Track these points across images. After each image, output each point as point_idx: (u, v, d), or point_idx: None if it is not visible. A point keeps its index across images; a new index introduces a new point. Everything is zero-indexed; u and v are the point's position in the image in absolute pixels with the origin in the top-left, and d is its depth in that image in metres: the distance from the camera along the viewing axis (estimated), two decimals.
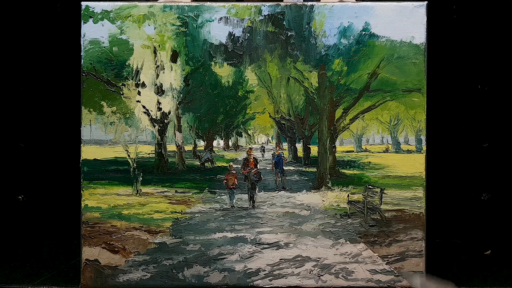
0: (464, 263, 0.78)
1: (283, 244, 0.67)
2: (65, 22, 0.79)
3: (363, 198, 0.68)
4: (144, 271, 0.67)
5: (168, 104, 0.69)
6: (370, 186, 0.68)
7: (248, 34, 0.68)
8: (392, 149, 0.70)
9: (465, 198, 0.80)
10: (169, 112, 0.69)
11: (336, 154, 0.69)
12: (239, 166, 0.71)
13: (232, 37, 0.68)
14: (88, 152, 0.68)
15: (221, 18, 0.68)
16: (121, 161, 0.69)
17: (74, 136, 0.71)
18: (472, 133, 0.79)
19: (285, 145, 0.71)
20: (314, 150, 0.70)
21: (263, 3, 0.68)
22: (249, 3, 0.68)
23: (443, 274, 0.45)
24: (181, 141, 0.69)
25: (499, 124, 0.79)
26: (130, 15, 0.67)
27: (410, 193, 0.68)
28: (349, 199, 0.68)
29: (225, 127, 0.71)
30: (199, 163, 0.70)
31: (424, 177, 0.68)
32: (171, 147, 0.69)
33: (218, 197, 0.69)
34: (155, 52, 0.68)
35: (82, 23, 0.67)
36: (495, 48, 0.79)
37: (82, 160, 0.68)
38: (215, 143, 0.71)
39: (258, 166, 0.71)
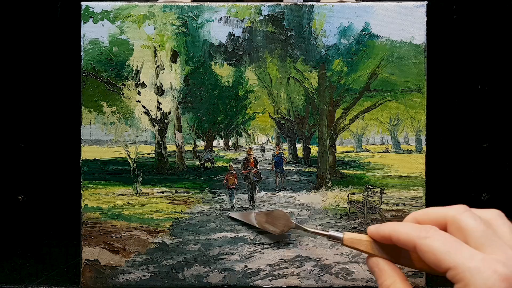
0: None
1: (283, 244, 0.67)
2: (65, 22, 0.79)
3: (363, 198, 0.68)
4: (144, 271, 0.67)
5: (168, 104, 0.69)
6: (370, 186, 0.68)
7: (248, 34, 0.68)
8: (392, 149, 0.70)
9: (465, 198, 0.80)
10: (169, 112, 0.69)
11: (336, 154, 0.69)
12: (239, 166, 0.71)
13: (232, 37, 0.68)
14: (88, 152, 0.68)
15: (221, 18, 0.68)
16: (121, 161, 0.68)
17: (74, 136, 0.71)
18: (472, 133, 0.79)
19: (285, 145, 0.71)
20: (314, 150, 0.70)
21: (263, 3, 0.68)
22: (249, 3, 0.68)
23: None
24: (181, 141, 0.69)
25: (499, 124, 0.79)
26: (130, 15, 0.67)
27: (410, 193, 0.68)
28: (349, 199, 0.68)
29: (225, 127, 0.70)
30: (199, 163, 0.70)
31: (424, 177, 0.68)
32: (171, 147, 0.69)
33: (218, 197, 0.69)
34: (155, 52, 0.68)
35: (82, 23, 0.67)
36: (495, 48, 0.79)
37: (82, 160, 0.68)
38: (215, 143, 0.71)
39: (258, 166, 0.71)
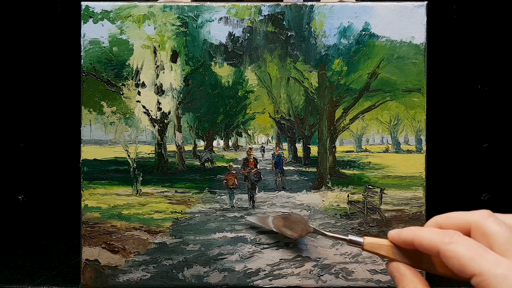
0: None
1: (283, 244, 0.67)
2: (65, 22, 0.79)
3: (363, 198, 0.68)
4: (144, 271, 0.67)
5: (168, 104, 0.69)
6: (370, 186, 0.68)
7: (248, 34, 0.68)
8: (392, 149, 0.70)
9: (465, 198, 0.80)
10: (169, 112, 0.69)
11: (336, 154, 0.69)
12: (239, 166, 0.71)
13: (232, 37, 0.68)
14: (88, 152, 0.68)
15: (221, 18, 0.68)
16: (121, 161, 0.69)
17: (74, 136, 0.71)
18: (472, 133, 0.79)
19: (285, 145, 0.71)
20: (314, 150, 0.70)
21: (263, 3, 0.68)
22: (249, 3, 0.68)
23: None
24: (181, 141, 0.69)
25: (499, 124, 0.79)
26: (130, 15, 0.67)
27: (410, 193, 0.68)
28: (349, 199, 0.68)
29: (225, 127, 0.70)
30: (199, 163, 0.70)
31: (424, 177, 0.68)
32: (171, 147, 0.69)
33: (218, 197, 0.69)
34: (155, 52, 0.68)
35: (82, 23, 0.67)
36: (495, 48, 0.79)
37: (82, 160, 0.68)
38: (215, 143, 0.71)
39: (258, 166, 0.71)
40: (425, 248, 0.42)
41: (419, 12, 0.67)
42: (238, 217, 0.68)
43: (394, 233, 0.46)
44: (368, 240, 0.48)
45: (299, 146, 0.71)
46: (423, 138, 0.68)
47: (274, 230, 0.66)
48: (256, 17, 0.67)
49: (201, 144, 0.70)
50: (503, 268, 0.36)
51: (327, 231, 0.59)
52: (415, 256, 0.46)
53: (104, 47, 0.67)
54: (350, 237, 0.50)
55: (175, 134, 0.69)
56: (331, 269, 0.67)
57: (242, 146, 0.71)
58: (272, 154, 0.71)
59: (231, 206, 0.69)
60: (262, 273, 0.67)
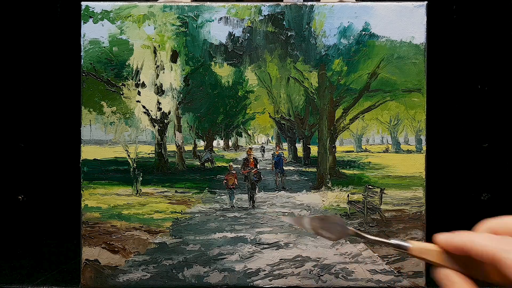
0: None
1: (283, 244, 0.67)
2: (65, 22, 0.79)
3: (363, 198, 0.68)
4: (144, 271, 0.67)
5: (168, 104, 0.69)
6: (370, 186, 0.68)
7: (248, 34, 0.68)
8: (392, 149, 0.70)
9: (465, 198, 0.80)
10: (169, 112, 0.69)
11: (336, 154, 0.69)
12: (239, 166, 0.71)
13: (232, 37, 0.68)
14: (88, 152, 0.68)
15: (221, 18, 0.68)
16: (121, 161, 0.69)
17: (74, 136, 0.71)
18: (472, 133, 0.79)
19: (285, 145, 0.71)
20: (314, 150, 0.70)
21: (263, 3, 0.68)
22: (249, 3, 0.68)
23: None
24: (181, 141, 0.69)
25: (499, 124, 0.79)
26: (130, 15, 0.67)
27: (410, 193, 0.68)
28: (349, 199, 0.68)
29: (225, 127, 0.70)
30: (199, 163, 0.70)
31: (424, 177, 0.68)
32: (171, 147, 0.69)
33: (218, 197, 0.69)
34: (155, 52, 0.68)
35: (82, 23, 0.67)
36: (495, 48, 0.79)
37: (82, 160, 0.68)
38: (215, 143, 0.71)
39: (258, 166, 0.71)
40: (480, 255, 0.40)
41: (419, 12, 0.67)
42: (238, 217, 0.68)
43: (444, 238, 0.43)
44: (416, 245, 0.44)
45: (299, 146, 0.71)
46: (423, 138, 0.68)
47: (311, 231, 0.63)
48: (256, 17, 0.67)
49: (201, 144, 0.70)
50: None
51: (369, 235, 0.54)
52: (465, 262, 0.43)
53: (104, 47, 0.67)
54: (396, 241, 0.46)
55: (175, 134, 0.69)
56: (331, 269, 0.67)
57: (242, 146, 0.71)
58: (272, 154, 0.71)
59: (231, 206, 0.69)
60: (262, 273, 0.67)
